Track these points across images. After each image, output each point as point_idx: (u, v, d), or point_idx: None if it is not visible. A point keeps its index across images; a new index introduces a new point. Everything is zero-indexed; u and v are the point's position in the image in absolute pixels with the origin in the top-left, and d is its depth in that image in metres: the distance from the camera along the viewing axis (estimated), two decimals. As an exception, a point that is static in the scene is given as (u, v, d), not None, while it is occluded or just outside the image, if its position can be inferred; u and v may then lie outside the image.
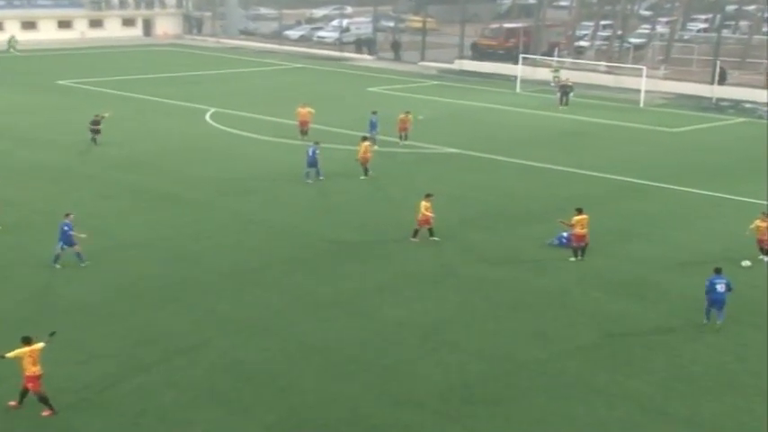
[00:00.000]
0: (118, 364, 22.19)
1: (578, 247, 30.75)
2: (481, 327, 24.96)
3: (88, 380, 21.39)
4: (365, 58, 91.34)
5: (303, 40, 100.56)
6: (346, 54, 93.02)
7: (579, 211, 30.82)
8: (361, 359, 22.74)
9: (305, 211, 35.95)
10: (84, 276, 27.97)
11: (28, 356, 19.63)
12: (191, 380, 21.49)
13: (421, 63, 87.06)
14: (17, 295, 26.42)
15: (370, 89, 70.18)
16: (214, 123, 53.97)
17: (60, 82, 68.90)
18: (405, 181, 40.88)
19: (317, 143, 40.81)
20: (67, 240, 28.45)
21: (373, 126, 46.81)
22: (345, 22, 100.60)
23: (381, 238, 32.57)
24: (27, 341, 19.83)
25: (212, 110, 57.83)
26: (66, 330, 23.43)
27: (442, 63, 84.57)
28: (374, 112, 47.73)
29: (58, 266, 28.36)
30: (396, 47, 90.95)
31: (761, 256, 30.86)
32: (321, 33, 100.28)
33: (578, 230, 30.58)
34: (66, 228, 28.45)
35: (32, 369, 19.64)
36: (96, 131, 46.91)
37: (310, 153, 39.77)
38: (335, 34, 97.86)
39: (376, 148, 43.54)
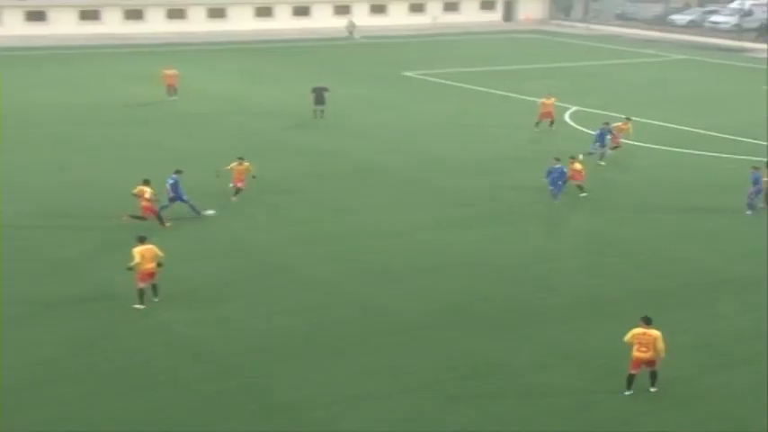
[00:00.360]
0: (437, 398, 22.72)
1: None
2: None
3: (397, 416, 22.05)
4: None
5: (692, 26, 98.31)
6: (746, 44, 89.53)
7: None
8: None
9: (672, 235, 35.01)
10: (409, 291, 28.99)
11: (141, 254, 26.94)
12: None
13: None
14: (342, 310, 27.88)
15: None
16: (574, 124, 54.01)
17: (406, 73, 72.15)
18: None
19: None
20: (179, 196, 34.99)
21: (601, 138, 44.88)
22: (748, 3, 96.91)
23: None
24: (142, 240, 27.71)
25: (573, 108, 57.92)
26: (383, 353, 24.60)
27: None
28: (606, 123, 45.94)
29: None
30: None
31: None
32: (716, 18, 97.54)
33: None
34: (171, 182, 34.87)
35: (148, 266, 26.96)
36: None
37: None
38: (734, 19, 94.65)
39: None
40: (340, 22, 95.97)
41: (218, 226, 34.97)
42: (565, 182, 38.72)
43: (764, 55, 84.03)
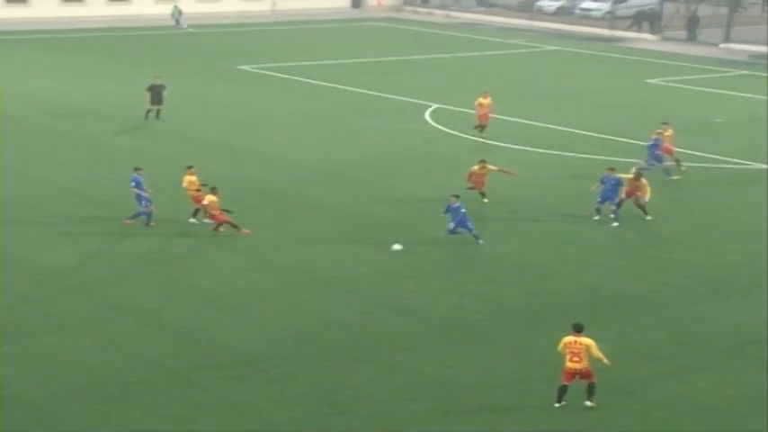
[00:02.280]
0: None
1: None
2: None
3: None
4: (646, 38, 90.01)
5: (561, 13, 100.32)
6: (619, 33, 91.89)
7: None
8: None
9: (546, 248, 35.55)
10: (247, 317, 28.79)
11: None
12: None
13: (724, 45, 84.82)
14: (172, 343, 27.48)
15: (649, 81, 68.98)
16: (435, 124, 54.52)
17: (243, 67, 71.75)
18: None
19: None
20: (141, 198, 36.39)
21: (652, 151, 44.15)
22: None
23: None
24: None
25: (434, 106, 58.47)
26: (218, 389, 24.33)
27: (755, 45, 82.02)
28: (659, 133, 44.89)
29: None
30: (692, 23, 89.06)
31: None
32: (586, 5, 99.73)
33: None
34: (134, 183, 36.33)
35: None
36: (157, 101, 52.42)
37: None
38: (606, 6, 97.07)
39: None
40: (164, 9, 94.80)
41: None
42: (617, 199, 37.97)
43: (640, 45, 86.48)
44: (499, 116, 52.95)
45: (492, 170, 40.16)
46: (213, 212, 35.88)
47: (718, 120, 55.82)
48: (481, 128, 50.73)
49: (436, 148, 49.57)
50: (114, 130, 51.51)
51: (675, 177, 43.89)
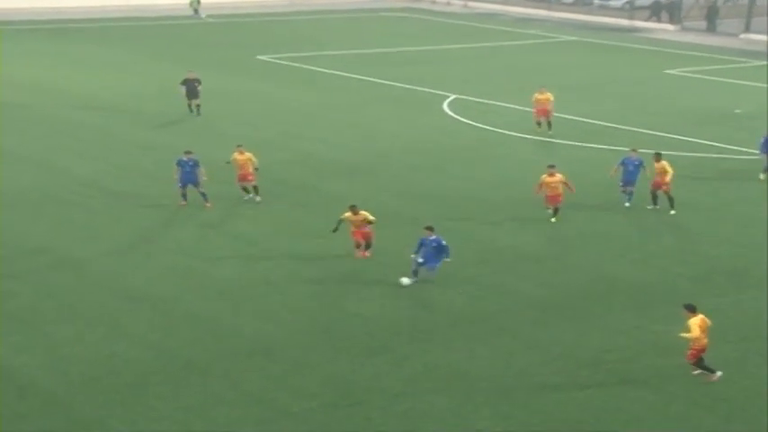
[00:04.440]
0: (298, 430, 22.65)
1: None
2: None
3: None
4: (665, 29, 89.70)
5: (580, 3, 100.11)
6: (638, 23, 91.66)
7: None
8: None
9: (563, 239, 35.49)
10: (262, 308, 28.83)
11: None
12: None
13: (744, 36, 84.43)
14: (189, 332, 27.56)
15: (668, 71, 68.78)
16: (453, 115, 54.48)
17: (261, 57, 71.78)
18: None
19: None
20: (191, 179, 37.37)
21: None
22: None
23: None
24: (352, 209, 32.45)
25: (452, 97, 58.41)
26: (236, 379, 24.46)
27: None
28: None
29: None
30: (711, 13, 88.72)
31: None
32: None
33: None
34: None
35: None
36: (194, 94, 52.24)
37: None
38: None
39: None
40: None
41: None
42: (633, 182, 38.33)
43: (659, 36, 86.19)
44: (518, 107, 52.89)
45: (562, 180, 36.71)
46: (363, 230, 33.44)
47: (737, 110, 55.57)
48: (539, 124, 49.71)
49: (455, 139, 49.49)
50: (130, 121, 51.59)
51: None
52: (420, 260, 30.87)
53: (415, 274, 30.89)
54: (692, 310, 24.98)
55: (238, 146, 38.90)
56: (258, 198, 38.52)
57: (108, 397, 23.84)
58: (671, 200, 38.12)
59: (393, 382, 24.88)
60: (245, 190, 38.70)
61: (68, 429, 22.46)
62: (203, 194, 37.67)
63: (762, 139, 43.30)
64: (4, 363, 25.36)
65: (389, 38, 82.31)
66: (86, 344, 26.58)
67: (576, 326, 28.22)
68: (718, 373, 24.96)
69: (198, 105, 52.58)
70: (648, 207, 38.23)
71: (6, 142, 46.09)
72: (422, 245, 31.01)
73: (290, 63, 69.96)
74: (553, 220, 36.45)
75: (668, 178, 37.92)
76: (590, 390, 24.51)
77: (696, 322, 24.61)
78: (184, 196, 37.66)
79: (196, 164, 37.62)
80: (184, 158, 37.72)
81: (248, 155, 38.48)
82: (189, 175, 37.56)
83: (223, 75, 64.39)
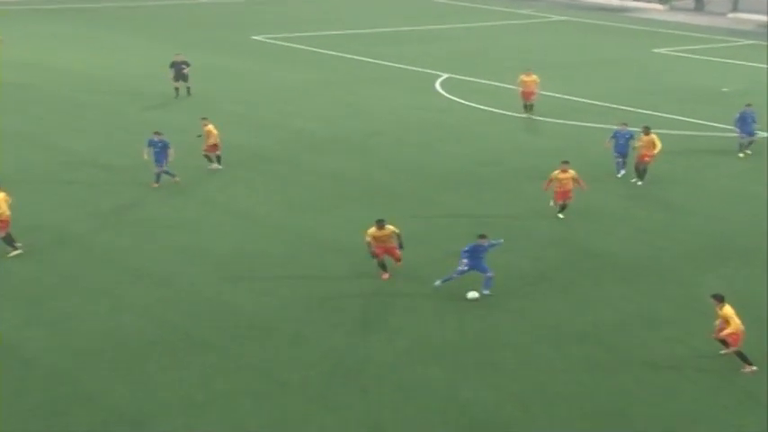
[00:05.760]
0: (297, 401, 23.00)
1: None
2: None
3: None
4: (654, 8, 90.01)
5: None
6: (628, 3, 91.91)
7: None
8: None
9: (551, 215, 35.84)
10: (262, 282, 29.18)
11: None
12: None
13: (732, 15, 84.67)
14: (189, 306, 27.95)
15: (657, 50, 69.07)
16: (446, 93, 54.79)
17: (256, 37, 71.95)
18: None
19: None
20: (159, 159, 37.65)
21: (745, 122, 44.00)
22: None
23: None
24: None
25: (444, 76, 58.69)
26: (237, 352, 24.88)
27: (763, 15, 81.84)
28: (748, 105, 44.69)
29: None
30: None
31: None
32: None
33: None
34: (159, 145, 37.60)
35: None
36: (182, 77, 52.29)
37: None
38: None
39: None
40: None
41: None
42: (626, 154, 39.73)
43: (648, 15, 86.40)
44: (508, 86, 53.17)
45: (574, 177, 35.38)
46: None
47: (724, 89, 55.98)
48: (525, 106, 49.95)
49: (447, 117, 49.84)
50: (128, 100, 51.87)
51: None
52: (465, 268, 28.86)
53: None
54: (721, 299, 24.69)
55: (203, 118, 40.37)
56: (220, 167, 39.85)
57: (111, 368, 24.17)
58: (644, 171, 39.06)
59: (387, 354, 25.26)
60: (209, 159, 40.00)
61: (72, 401, 22.74)
62: (167, 172, 38.10)
63: (736, 115, 44.07)
64: (9, 337, 25.66)
65: (383, 18, 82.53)
66: (89, 317, 26.90)
67: (566, 299, 28.61)
68: (754, 368, 24.53)
69: (188, 87, 52.77)
70: (632, 180, 38.81)
71: (7, 121, 46.37)
72: (473, 252, 28.76)
73: (284, 43, 70.20)
74: (561, 216, 35.47)
75: (655, 151, 38.61)
76: (578, 361, 24.90)
77: (731, 312, 24.39)
78: (158, 177, 38.09)
79: (166, 145, 37.99)
80: (155, 139, 38.20)
81: (211, 126, 39.95)
82: (158, 155, 37.97)
83: (219, 55, 64.72)
